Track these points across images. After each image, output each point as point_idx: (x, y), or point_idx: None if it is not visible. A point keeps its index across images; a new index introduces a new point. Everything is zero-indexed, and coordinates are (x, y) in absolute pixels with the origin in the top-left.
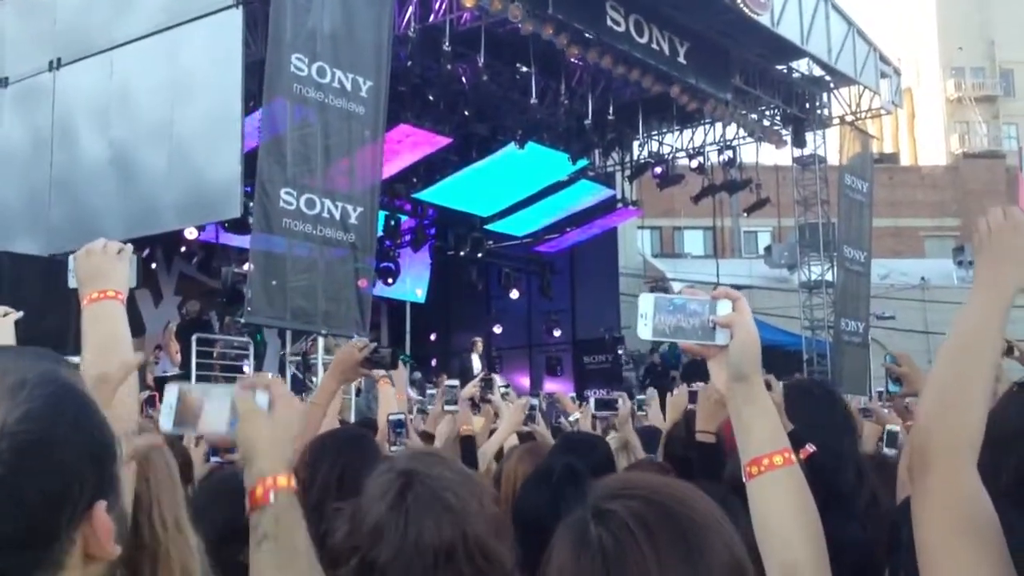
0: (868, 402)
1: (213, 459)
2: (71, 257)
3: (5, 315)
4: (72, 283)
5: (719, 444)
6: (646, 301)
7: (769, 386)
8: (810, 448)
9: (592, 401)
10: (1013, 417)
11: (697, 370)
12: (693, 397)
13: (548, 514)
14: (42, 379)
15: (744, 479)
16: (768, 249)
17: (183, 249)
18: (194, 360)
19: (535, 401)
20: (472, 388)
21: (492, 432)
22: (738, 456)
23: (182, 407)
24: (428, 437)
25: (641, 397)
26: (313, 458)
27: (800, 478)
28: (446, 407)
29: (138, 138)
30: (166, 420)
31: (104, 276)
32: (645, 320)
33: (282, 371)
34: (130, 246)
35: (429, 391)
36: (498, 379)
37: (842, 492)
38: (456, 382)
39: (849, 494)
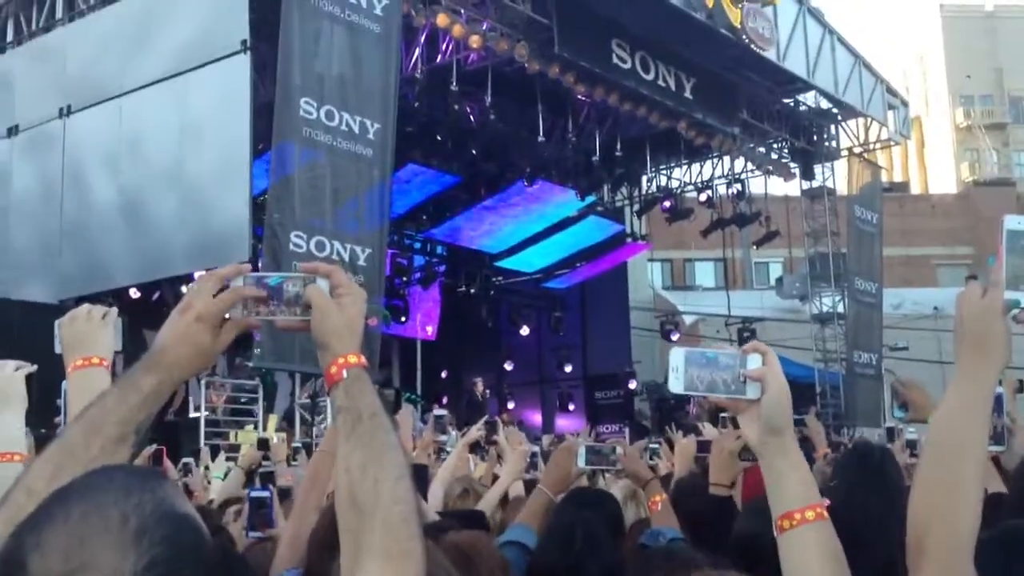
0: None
1: (251, 534)
2: (56, 323)
3: (17, 369)
4: (58, 348)
5: (731, 498)
6: (677, 355)
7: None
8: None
9: (582, 452)
10: None
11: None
12: (702, 446)
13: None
14: (158, 519)
15: (776, 533)
16: (779, 280)
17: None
18: (203, 403)
19: (536, 448)
20: (476, 432)
21: (495, 477)
22: (751, 510)
23: (250, 299)
24: (420, 468)
25: (655, 446)
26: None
27: (832, 534)
28: (437, 438)
29: (148, 183)
30: (235, 310)
31: (88, 343)
32: (677, 374)
33: (292, 413)
34: (114, 310)
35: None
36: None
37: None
38: (444, 412)
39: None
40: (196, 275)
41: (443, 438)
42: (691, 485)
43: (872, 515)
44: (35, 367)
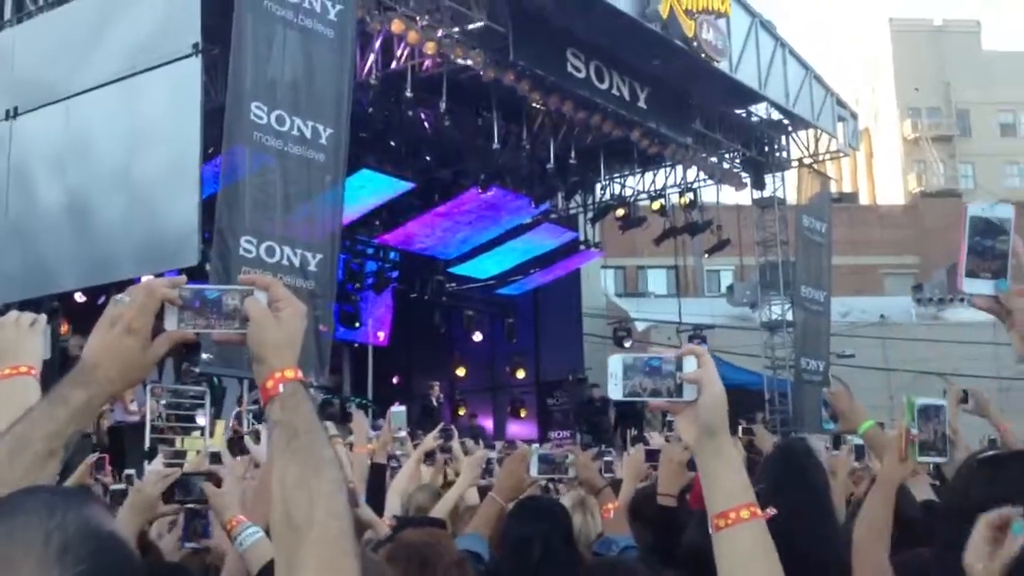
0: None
1: (186, 545)
2: None
3: (33, 324)
4: None
5: (680, 508)
6: (615, 362)
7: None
8: (770, 512)
9: (534, 461)
10: (977, 493)
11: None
12: (650, 456)
13: None
14: (83, 537)
15: (711, 531)
16: (730, 288)
17: None
18: (149, 410)
19: (492, 455)
20: (432, 442)
21: (446, 483)
22: (699, 520)
23: (187, 312)
24: (378, 468)
25: (608, 457)
26: None
27: (765, 533)
28: (395, 435)
29: (95, 186)
30: (171, 322)
31: (15, 351)
32: (615, 380)
33: (239, 420)
34: (43, 317)
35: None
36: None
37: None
38: (403, 408)
39: (815, 561)
40: (143, 279)
41: (402, 434)
42: (654, 493)
43: (798, 510)
44: (44, 317)
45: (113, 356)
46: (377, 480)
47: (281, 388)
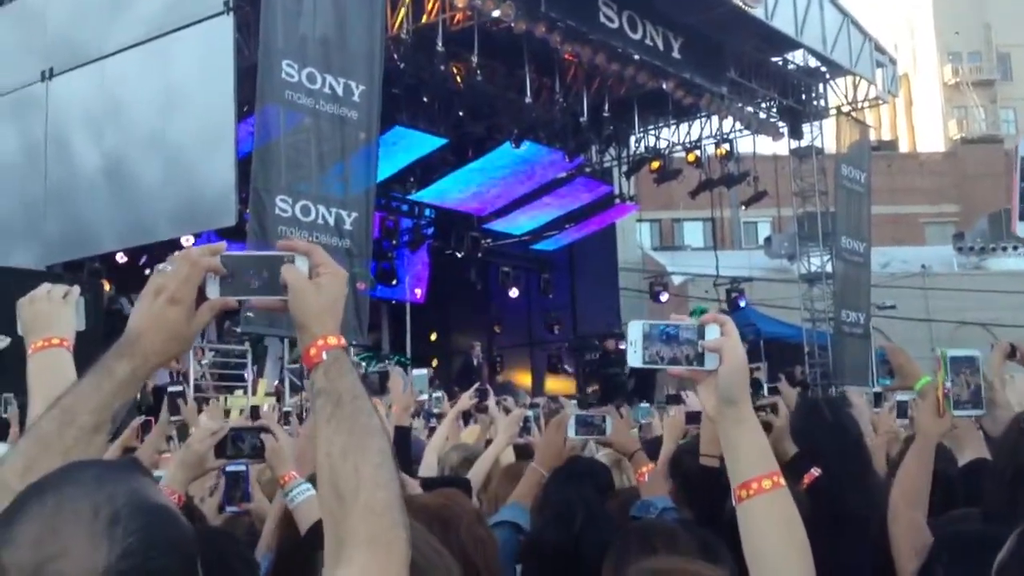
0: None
1: (228, 509)
2: (18, 303)
3: (66, 296)
4: (20, 330)
5: (722, 470)
6: (635, 329)
7: (776, 410)
8: (815, 472)
9: (572, 423)
10: None
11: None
12: (691, 418)
13: (569, 552)
14: (132, 509)
15: (734, 503)
16: (768, 240)
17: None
18: (192, 369)
19: (529, 413)
20: (468, 401)
21: (488, 442)
22: None
23: (228, 279)
24: (402, 431)
25: (644, 405)
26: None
27: (789, 502)
28: (417, 398)
29: (131, 148)
30: (212, 290)
31: (48, 323)
32: (635, 348)
33: (282, 376)
34: (76, 289)
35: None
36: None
37: (851, 516)
38: (425, 371)
39: (860, 517)
40: (184, 244)
41: (423, 397)
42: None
43: (831, 467)
44: (78, 290)
45: (157, 327)
46: (402, 442)
47: (324, 356)
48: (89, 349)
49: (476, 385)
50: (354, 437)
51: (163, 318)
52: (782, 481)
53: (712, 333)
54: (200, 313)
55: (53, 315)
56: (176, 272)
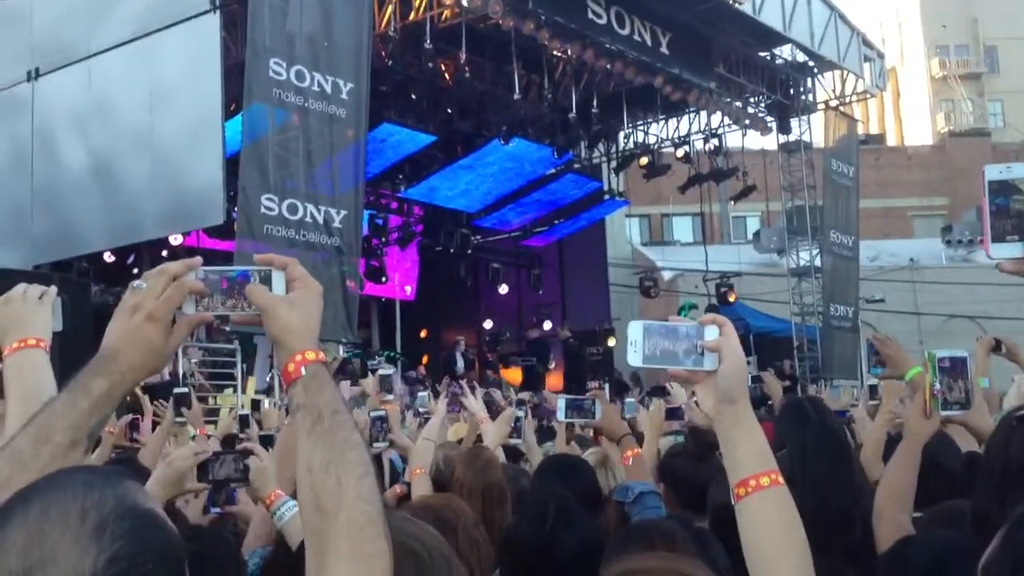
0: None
1: (213, 510)
2: None
3: (42, 297)
4: None
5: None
6: (635, 329)
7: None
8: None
9: (561, 406)
10: (1017, 451)
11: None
12: (672, 413)
13: (541, 552)
14: (119, 514)
15: (732, 500)
16: (757, 234)
17: (165, 253)
18: (181, 367)
19: (520, 412)
20: (444, 409)
21: (478, 439)
22: (722, 476)
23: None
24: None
25: (630, 400)
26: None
27: (788, 499)
28: (383, 398)
29: (119, 147)
30: (189, 306)
31: (24, 324)
32: (635, 347)
33: (272, 374)
34: (52, 290)
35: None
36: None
37: (832, 520)
38: (391, 370)
39: (840, 522)
40: (171, 239)
41: (389, 397)
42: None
43: (815, 468)
44: (55, 291)
45: (134, 344)
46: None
47: (303, 371)
48: (80, 350)
49: (447, 388)
50: (335, 451)
51: (140, 335)
52: (780, 479)
53: (711, 333)
54: (177, 329)
55: (29, 316)
56: (152, 289)
